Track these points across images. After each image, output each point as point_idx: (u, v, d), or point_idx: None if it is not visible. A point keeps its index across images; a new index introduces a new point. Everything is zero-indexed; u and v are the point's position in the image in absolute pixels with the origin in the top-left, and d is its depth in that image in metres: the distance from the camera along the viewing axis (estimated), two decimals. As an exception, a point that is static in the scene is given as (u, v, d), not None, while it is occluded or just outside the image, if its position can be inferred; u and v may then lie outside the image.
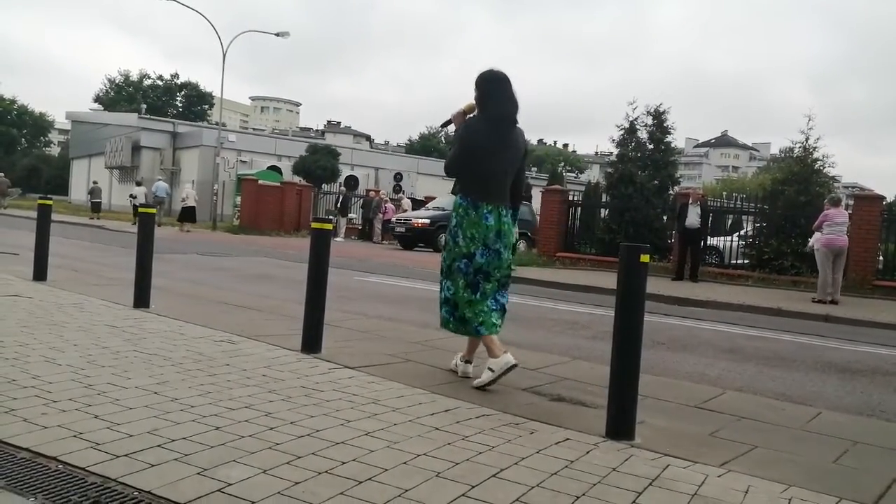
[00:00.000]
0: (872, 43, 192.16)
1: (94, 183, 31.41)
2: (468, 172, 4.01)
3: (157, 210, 26.28)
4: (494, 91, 3.99)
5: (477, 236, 3.96)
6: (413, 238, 20.87)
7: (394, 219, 21.89)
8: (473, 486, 2.44)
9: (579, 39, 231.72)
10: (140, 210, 6.31)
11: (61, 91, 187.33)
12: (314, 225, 4.69)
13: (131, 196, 27.34)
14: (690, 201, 14.29)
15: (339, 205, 25.75)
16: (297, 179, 30.72)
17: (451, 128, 4.22)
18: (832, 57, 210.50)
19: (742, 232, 16.57)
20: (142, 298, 5.93)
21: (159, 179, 27.16)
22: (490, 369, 3.85)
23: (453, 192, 4.16)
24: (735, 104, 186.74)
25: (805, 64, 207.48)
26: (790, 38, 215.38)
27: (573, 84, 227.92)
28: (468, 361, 4.25)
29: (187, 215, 23.10)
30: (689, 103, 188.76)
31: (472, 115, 4.05)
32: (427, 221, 20.24)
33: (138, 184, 28.21)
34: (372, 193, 27.67)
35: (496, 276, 4.03)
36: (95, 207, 28.66)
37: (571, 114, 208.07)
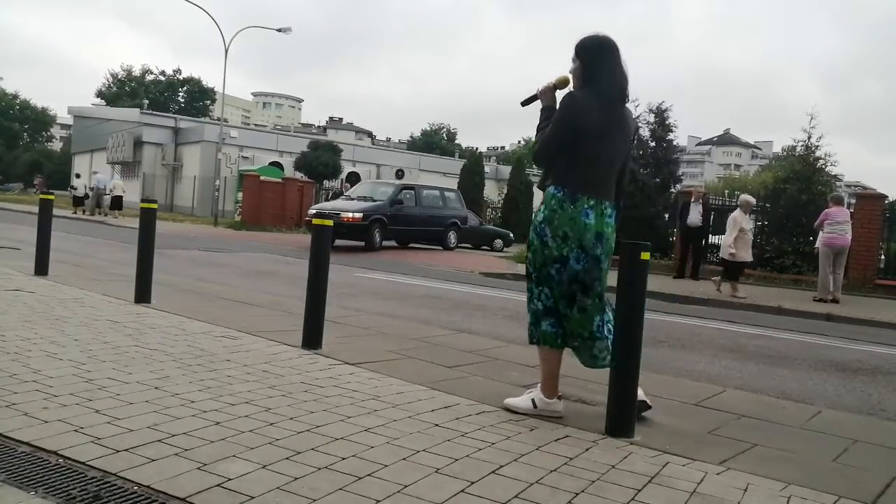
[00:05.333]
0: (890, 40, 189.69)
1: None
2: (568, 158, 3.34)
3: (97, 200, 27.13)
4: (606, 60, 3.36)
5: (571, 235, 3.28)
6: (337, 234, 15.65)
7: (314, 211, 17.40)
8: (473, 483, 2.45)
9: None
10: (142, 206, 6.30)
11: (64, 86, 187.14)
12: (315, 221, 4.70)
13: (71, 187, 30.40)
14: (692, 199, 14.29)
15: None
16: (298, 176, 30.71)
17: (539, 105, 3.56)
18: (846, 54, 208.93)
19: (743, 230, 16.55)
20: (143, 294, 5.93)
21: (95, 173, 30.93)
22: (533, 402, 3.43)
23: (541, 187, 3.55)
24: (742, 102, 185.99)
25: (818, 62, 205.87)
26: (804, 36, 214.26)
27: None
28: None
29: (115, 204, 26.51)
30: (697, 101, 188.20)
31: (572, 91, 3.39)
32: (359, 216, 16.66)
33: (77, 176, 31.56)
34: None
35: (597, 291, 3.36)
36: (114, 203, 28.97)
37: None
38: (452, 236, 19.60)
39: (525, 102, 3.66)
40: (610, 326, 3.36)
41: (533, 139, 3.54)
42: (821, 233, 11.49)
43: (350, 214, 16.65)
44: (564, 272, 3.32)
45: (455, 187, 25.84)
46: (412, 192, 18.67)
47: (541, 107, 3.51)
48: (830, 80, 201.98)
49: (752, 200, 11.95)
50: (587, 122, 3.28)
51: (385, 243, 17.50)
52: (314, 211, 17.11)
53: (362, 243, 16.85)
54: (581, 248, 3.29)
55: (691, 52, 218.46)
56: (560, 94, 3.44)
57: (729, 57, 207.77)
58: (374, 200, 17.43)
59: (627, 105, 3.49)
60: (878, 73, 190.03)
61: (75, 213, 27.42)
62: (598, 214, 3.32)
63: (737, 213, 11.40)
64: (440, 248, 19.23)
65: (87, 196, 28.73)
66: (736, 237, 11.11)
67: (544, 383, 3.46)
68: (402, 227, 17.85)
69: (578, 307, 3.34)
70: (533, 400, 3.45)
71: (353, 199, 18.03)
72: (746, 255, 11.26)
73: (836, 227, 11.18)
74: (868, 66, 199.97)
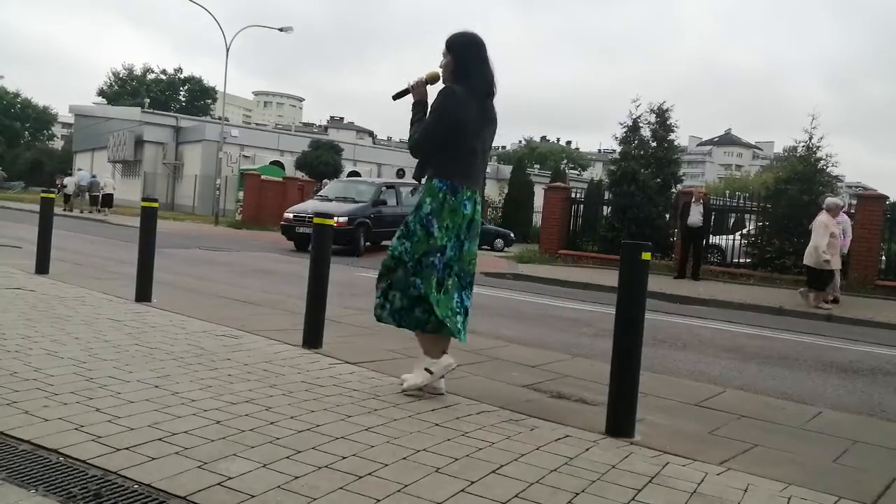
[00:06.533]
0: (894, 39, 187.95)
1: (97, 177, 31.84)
2: (448, 151, 3.49)
3: (80, 197, 28.02)
4: (477, 56, 3.53)
5: (451, 227, 3.48)
6: None
7: (290, 215, 16.34)
8: (473, 482, 2.45)
9: (597, 36, 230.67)
10: (143, 205, 6.30)
11: (66, 84, 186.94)
12: (315, 220, 4.70)
13: (63, 184, 31.39)
14: (693, 199, 14.28)
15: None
16: (299, 175, 30.72)
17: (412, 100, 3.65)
18: (850, 54, 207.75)
19: (744, 231, 16.56)
20: (144, 292, 5.93)
21: (80, 170, 32.57)
22: (428, 370, 3.56)
23: (417, 177, 3.66)
24: (745, 102, 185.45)
25: (821, 61, 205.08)
26: (807, 35, 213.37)
27: (589, 80, 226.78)
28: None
29: (106, 201, 27.41)
30: (698, 101, 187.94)
31: (452, 86, 3.49)
32: (345, 220, 15.08)
33: (70, 174, 33.53)
34: None
35: (456, 272, 3.56)
36: (105, 201, 29.12)
37: (584, 110, 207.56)
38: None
39: (396, 96, 3.75)
40: (467, 303, 3.60)
41: (409, 132, 3.65)
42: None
43: (336, 219, 13.85)
44: (442, 260, 3.49)
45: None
46: (392, 190, 17.66)
47: (413, 101, 3.64)
48: (833, 79, 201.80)
49: (841, 203, 10.72)
50: (466, 116, 3.47)
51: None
52: (291, 214, 16.34)
53: (347, 247, 15.45)
54: (456, 236, 3.51)
55: (693, 53, 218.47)
56: (431, 89, 3.60)
57: (731, 57, 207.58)
58: (355, 201, 16.27)
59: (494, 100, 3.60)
60: (882, 73, 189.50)
61: (66, 209, 27.97)
62: (473, 204, 3.54)
63: (825, 217, 10.25)
64: None
65: (76, 194, 29.24)
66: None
67: (427, 351, 3.58)
68: (385, 228, 16.41)
69: (444, 289, 3.51)
70: (426, 369, 3.56)
71: (330, 201, 16.52)
72: (836, 263, 10.34)
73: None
74: (872, 66, 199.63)
